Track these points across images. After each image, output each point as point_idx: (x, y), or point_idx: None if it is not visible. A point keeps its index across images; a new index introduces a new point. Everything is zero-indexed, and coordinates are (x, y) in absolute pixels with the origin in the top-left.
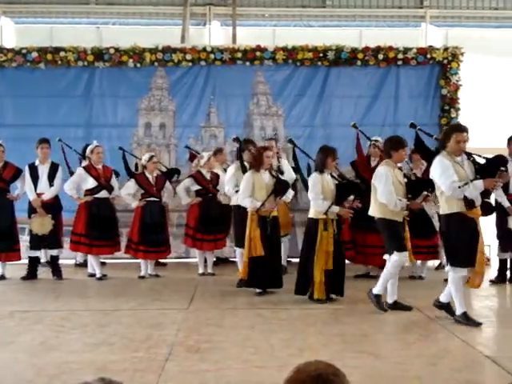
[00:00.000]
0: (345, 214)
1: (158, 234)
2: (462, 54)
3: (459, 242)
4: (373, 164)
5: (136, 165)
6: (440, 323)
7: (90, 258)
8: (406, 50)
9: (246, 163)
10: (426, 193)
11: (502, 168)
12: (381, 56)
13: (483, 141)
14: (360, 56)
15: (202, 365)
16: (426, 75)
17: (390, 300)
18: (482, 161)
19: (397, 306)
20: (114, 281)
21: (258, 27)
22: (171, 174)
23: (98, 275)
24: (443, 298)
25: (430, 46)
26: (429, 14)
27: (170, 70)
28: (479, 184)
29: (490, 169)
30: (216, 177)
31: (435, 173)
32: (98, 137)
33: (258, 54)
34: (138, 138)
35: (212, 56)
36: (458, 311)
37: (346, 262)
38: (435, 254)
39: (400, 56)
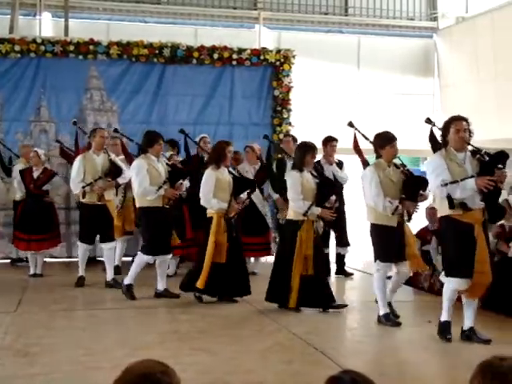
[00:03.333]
0: (326, 216)
1: None
2: (293, 56)
3: (452, 248)
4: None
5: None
6: (272, 317)
7: None
8: (241, 51)
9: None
10: (422, 192)
11: (500, 166)
12: (216, 55)
13: (312, 141)
14: (195, 55)
15: (31, 369)
16: (259, 76)
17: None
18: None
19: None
20: None
21: (92, 20)
22: None
23: None
24: (465, 325)
25: (264, 48)
26: (262, 16)
27: None
28: (470, 183)
29: (489, 166)
30: (47, 176)
31: (427, 171)
32: None
33: (91, 47)
34: None
35: (42, 48)
36: (442, 318)
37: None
38: (268, 251)
39: (235, 56)
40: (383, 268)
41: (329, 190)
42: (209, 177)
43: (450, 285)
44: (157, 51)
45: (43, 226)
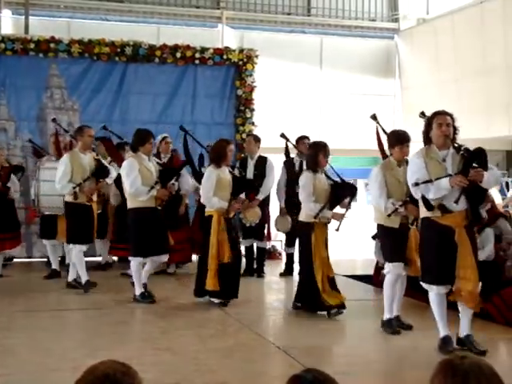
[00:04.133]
0: (339, 218)
1: None
2: (256, 56)
3: (430, 252)
4: (163, 160)
5: None
6: (234, 317)
7: None
8: (203, 50)
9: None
10: None
11: (475, 164)
12: (178, 54)
13: (275, 141)
14: (158, 53)
15: None
16: (222, 75)
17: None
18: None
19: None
20: None
21: (53, 18)
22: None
23: None
24: (460, 333)
25: (227, 47)
26: (225, 16)
27: None
28: (444, 183)
29: (466, 165)
30: (6, 173)
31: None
32: None
33: (52, 45)
34: None
35: (2, 45)
36: (440, 334)
37: None
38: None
39: (197, 55)
40: (393, 269)
41: (343, 192)
42: (210, 175)
43: (432, 291)
44: (119, 50)
45: (10, 224)
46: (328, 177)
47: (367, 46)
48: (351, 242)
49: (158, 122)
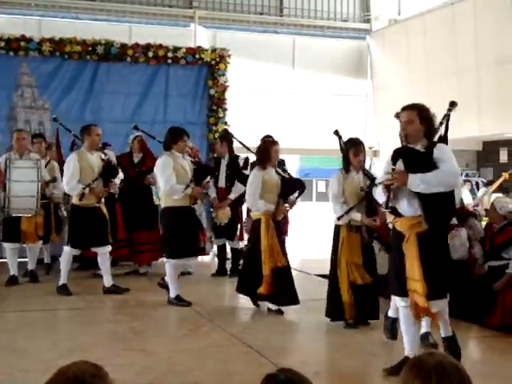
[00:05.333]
0: (369, 223)
1: None
2: (229, 55)
3: (389, 260)
4: (136, 160)
5: None
6: (207, 317)
7: None
8: (176, 49)
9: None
10: None
11: (393, 167)
12: (151, 54)
13: (248, 140)
14: (130, 52)
15: None
16: (194, 75)
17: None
18: None
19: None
20: None
21: (23, 16)
22: None
23: None
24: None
25: (199, 47)
26: (198, 15)
27: None
28: (379, 189)
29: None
30: None
31: None
32: None
33: (22, 44)
34: None
35: None
36: (406, 351)
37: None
38: (202, 251)
39: (170, 55)
40: None
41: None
42: (255, 177)
43: (398, 303)
44: (90, 48)
45: None
46: (368, 177)
47: (339, 46)
48: (323, 241)
49: (130, 121)
